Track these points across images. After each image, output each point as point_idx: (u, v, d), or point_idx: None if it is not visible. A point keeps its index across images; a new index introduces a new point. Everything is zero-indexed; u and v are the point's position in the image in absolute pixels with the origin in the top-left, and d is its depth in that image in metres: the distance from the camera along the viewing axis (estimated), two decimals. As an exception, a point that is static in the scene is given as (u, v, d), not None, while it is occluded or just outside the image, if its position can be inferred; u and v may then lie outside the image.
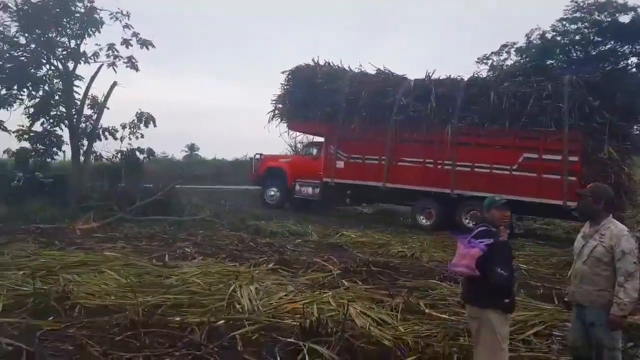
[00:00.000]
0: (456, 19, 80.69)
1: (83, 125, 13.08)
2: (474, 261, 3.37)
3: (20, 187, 11.09)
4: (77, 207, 11.06)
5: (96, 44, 13.25)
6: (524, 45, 47.39)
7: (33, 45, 12.21)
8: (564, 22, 45.11)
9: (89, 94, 13.19)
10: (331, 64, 15.59)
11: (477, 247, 3.39)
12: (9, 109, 12.10)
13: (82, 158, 13.15)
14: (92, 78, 13.26)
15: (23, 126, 12.31)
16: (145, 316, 4.71)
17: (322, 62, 15.53)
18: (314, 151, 16.40)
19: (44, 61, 12.60)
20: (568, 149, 12.19)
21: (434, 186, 13.69)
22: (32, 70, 12.35)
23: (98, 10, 13.07)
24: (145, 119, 12.77)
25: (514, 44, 47.78)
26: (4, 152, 12.44)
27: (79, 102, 13.06)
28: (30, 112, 12.37)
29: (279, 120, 15.56)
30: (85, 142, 13.08)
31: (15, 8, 12.02)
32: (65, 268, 6.43)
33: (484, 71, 43.66)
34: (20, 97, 12.48)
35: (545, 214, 14.10)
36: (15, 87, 12.15)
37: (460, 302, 5.63)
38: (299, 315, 4.96)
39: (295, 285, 6.20)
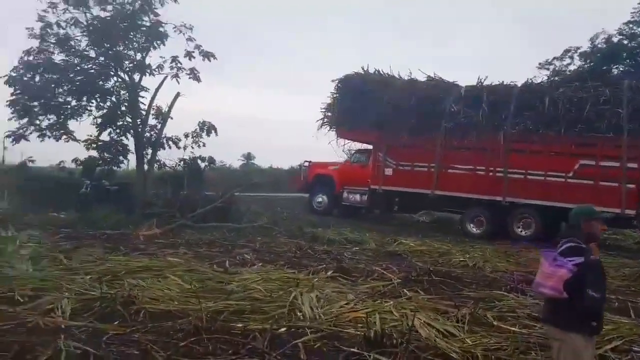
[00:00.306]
0: (519, 20, 78.67)
1: (148, 134, 13.53)
2: (561, 283, 3.06)
3: (87, 194, 11.56)
4: (141, 213, 11.38)
5: (160, 57, 13.71)
6: (589, 49, 45.58)
7: (102, 59, 12.75)
8: (632, 25, 43.12)
9: (154, 104, 13.63)
10: (380, 72, 15.51)
11: (565, 267, 3.08)
12: (78, 119, 12.69)
13: (146, 166, 13.57)
14: (157, 89, 13.73)
15: (91, 136, 12.88)
16: (208, 322, 4.73)
17: (371, 70, 15.49)
18: (362, 158, 16.30)
19: (112, 73, 13.15)
20: (627, 156, 11.80)
21: (484, 194, 13.47)
22: (101, 83, 12.89)
23: (163, 24, 13.54)
24: (207, 128, 13.07)
25: (578, 48, 45.91)
26: (73, 161, 13.03)
27: (144, 113, 13.53)
28: (98, 123, 12.91)
29: (328, 128, 15.58)
30: (150, 151, 13.48)
31: (85, 23, 12.60)
32: (130, 273, 6.57)
33: (545, 77, 42.50)
34: (89, 108, 13.06)
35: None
36: (85, 98, 12.72)
37: (530, 315, 5.40)
38: (361, 325, 4.87)
39: (356, 294, 6.10)
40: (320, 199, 16.54)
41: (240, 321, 4.93)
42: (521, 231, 13.01)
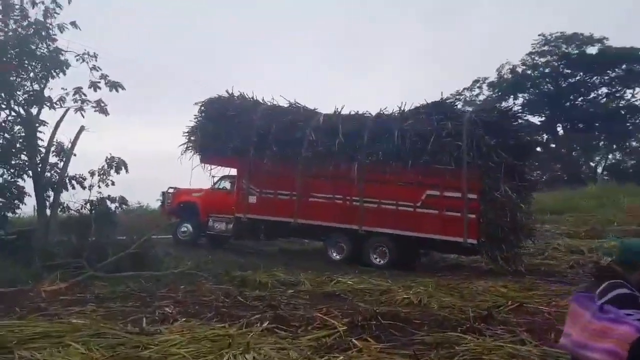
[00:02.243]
0: (429, 53, 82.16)
1: (48, 174, 12.04)
2: (625, 346, 2.25)
3: (-22, 246, 9.94)
4: (42, 265, 9.91)
5: (62, 88, 12.36)
6: (495, 79, 48.20)
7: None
8: (533, 56, 46.10)
9: (54, 140, 12.21)
10: (245, 96, 15.56)
11: (627, 323, 2.29)
12: (-37, 160, 11.07)
13: (48, 211, 12.05)
14: (58, 123, 12.32)
15: (-21, 178, 11.25)
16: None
17: (236, 94, 15.52)
18: (227, 185, 16.16)
19: (4, 106, 11.64)
20: (467, 187, 12.46)
21: (343, 222, 13.86)
22: (-11, 117, 11.38)
23: (63, 52, 12.27)
24: (116, 164, 11.78)
25: (486, 78, 48.60)
26: None
27: (43, 150, 12.06)
28: (-12, 163, 11.34)
29: (192, 152, 15.33)
30: (52, 193, 11.99)
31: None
32: (24, 342, 5.35)
33: (458, 106, 44.23)
34: (-24, 147, 11.47)
35: (449, 250, 14.21)
36: (-29, 136, 11.16)
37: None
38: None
39: (299, 350, 5.24)
40: (184, 228, 16.03)
41: (161, 401, 3.95)
42: (377, 259, 13.44)
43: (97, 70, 12.47)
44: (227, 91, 15.53)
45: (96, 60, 12.45)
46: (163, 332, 5.89)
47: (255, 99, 15.50)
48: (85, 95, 12.44)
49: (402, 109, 13.81)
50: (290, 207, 14.31)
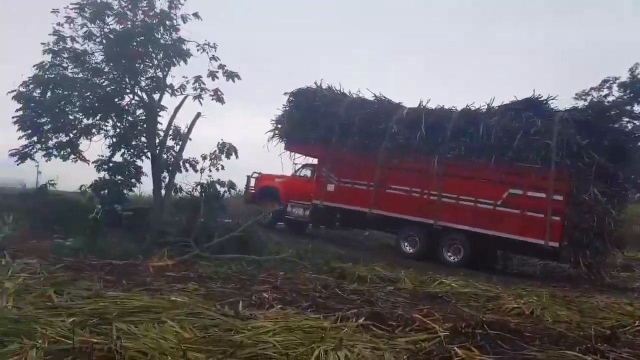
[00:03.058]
0: (554, 49, 77.08)
1: (165, 156, 12.61)
2: None
3: (97, 219, 10.59)
4: (153, 242, 10.35)
5: (183, 77, 12.90)
6: (628, 79, 43.99)
7: (116, 74, 11.93)
8: (673, 55, 41.40)
9: (172, 124, 12.76)
10: (333, 88, 15.86)
11: None
12: (90, 139, 11.87)
13: (163, 191, 12.64)
14: (177, 109, 12.90)
15: (103, 156, 11.99)
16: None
17: (324, 86, 15.85)
18: (308, 173, 16.66)
19: (128, 91, 12.33)
20: (553, 188, 12.06)
21: (418, 216, 13.75)
22: (116, 100, 12.08)
23: (185, 41, 12.81)
24: (227, 149, 12.08)
25: (617, 78, 44.51)
26: (81, 187, 12.09)
27: (162, 134, 12.65)
28: (111, 143, 12.06)
29: (278, 140, 15.95)
30: (167, 174, 12.55)
31: (99, 35, 11.89)
32: (123, 315, 5.48)
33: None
34: (103, 127, 12.25)
35: (527, 252, 13.75)
36: (99, 116, 11.89)
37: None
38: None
39: (395, 353, 4.87)
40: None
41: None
42: (451, 257, 13.32)
43: (216, 60, 12.95)
44: (315, 83, 15.87)
45: (215, 51, 12.90)
46: (258, 318, 5.79)
47: (341, 91, 15.74)
48: (204, 83, 12.92)
49: (490, 104, 13.47)
50: (367, 197, 14.40)
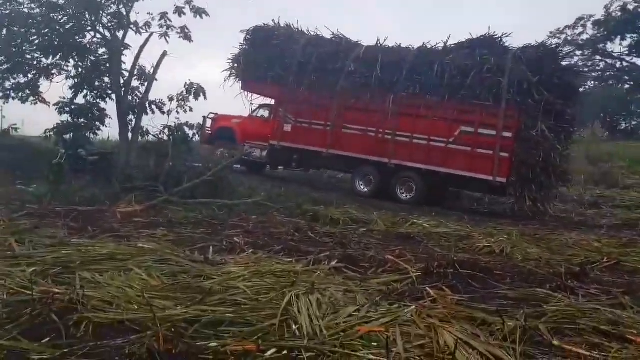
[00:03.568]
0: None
1: (130, 98, 12.10)
2: None
3: (61, 164, 10.21)
4: (120, 187, 10.06)
5: (148, 13, 12.23)
6: (602, 17, 43.75)
7: (74, 8, 11.17)
8: (650, -8, 41.21)
9: (137, 64, 12.20)
10: (291, 26, 15.55)
11: None
12: (50, 80, 11.25)
13: (129, 134, 12.22)
14: (141, 48, 12.32)
15: (64, 98, 11.43)
16: (170, 340, 3.47)
17: (282, 24, 15.55)
18: (265, 113, 16.57)
19: (89, 28, 11.64)
20: (503, 125, 12.28)
21: (373, 155, 13.90)
22: (77, 38, 11.39)
23: None
24: (195, 90, 11.65)
25: (591, 16, 44.25)
26: (45, 131, 11.57)
27: (126, 74, 12.09)
28: (73, 84, 11.46)
29: (234, 80, 15.63)
30: (132, 117, 12.09)
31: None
32: (88, 264, 5.29)
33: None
34: (65, 67, 11.61)
35: (476, 188, 14.14)
36: (59, 56, 11.22)
37: (597, 329, 4.13)
38: (376, 343, 3.63)
39: (367, 295, 4.83)
40: (219, 153, 15.99)
41: (216, 337, 3.68)
42: (404, 194, 13.62)
43: None
44: (273, 20, 15.62)
45: None
46: (228, 263, 5.68)
47: (300, 29, 15.49)
48: (170, 20, 12.32)
49: (447, 43, 13.50)
50: (324, 137, 14.44)
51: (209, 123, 17.24)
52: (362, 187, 14.23)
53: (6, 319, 3.82)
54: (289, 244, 7.25)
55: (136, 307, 4.17)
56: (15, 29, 10.97)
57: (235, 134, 16.74)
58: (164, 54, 12.26)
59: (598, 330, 4.07)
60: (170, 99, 11.82)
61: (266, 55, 14.99)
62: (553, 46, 13.00)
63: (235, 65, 15.65)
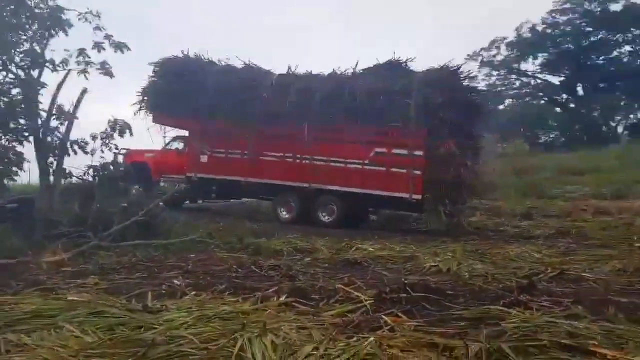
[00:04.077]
0: (446, 15, 79.62)
1: (49, 139, 11.36)
2: None
3: (-25, 215, 9.35)
4: (44, 235, 9.32)
5: (65, 50, 11.61)
6: (514, 39, 46.50)
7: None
8: (554, 14, 44.29)
9: (56, 103, 11.49)
10: (200, 56, 15.60)
11: None
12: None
13: (51, 178, 11.42)
14: (59, 86, 11.56)
15: (-25, 143, 10.55)
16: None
17: (192, 55, 15.58)
18: (179, 146, 16.29)
19: (1, 68, 10.89)
20: (414, 144, 12.74)
21: (292, 180, 14.12)
22: (-13, 79, 10.63)
23: (64, 10, 11.50)
24: (120, 127, 11.10)
25: (504, 38, 46.96)
26: None
27: (44, 114, 11.36)
28: (-16, 128, 10.64)
29: (145, 112, 15.45)
30: (52, 159, 11.33)
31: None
32: (12, 324, 4.74)
33: (474, 67, 42.94)
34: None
35: (395, 206, 14.39)
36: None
37: (560, 343, 4.07)
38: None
39: (322, 329, 4.58)
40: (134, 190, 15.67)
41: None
42: (325, 217, 13.89)
43: (101, 30, 11.82)
44: (182, 51, 15.57)
45: (99, 20, 11.74)
46: (169, 309, 5.27)
47: (210, 59, 15.55)
48: (89, 57, 11.75)
49: (355, 68, 13.97)
50: (241, 165, 14.58)
51: (120, 159, 16.75)
52: (283, 213, 14.41)
53: None
54: (232, 281, 6.89)
55: (70, 370, 3.72)
56: None
57: (149, 168, 16.23)
58: (84, 90, 11.62)
59: (560, 344, 4.01)
60: (94, 138, 11.18)
61: (176, 86, 14.85)
62: (454, 67, 13.42)
63: (145, 97, 15.45)
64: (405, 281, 6.27)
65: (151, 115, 15.47)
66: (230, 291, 6.22)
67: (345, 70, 14.14)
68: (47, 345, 4.18)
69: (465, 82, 13.61)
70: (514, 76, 47.77)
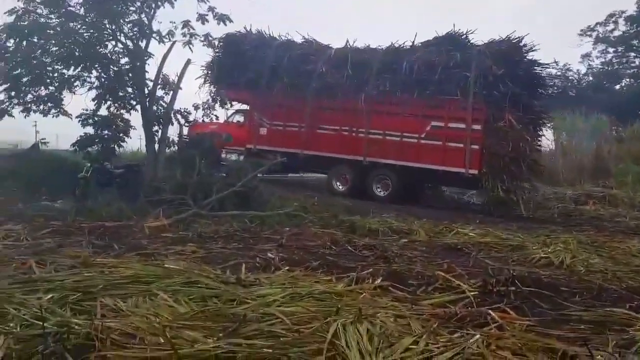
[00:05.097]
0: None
1: (155, 108, 11.72)
2: None
3: (87, 178, 9.86)
4: (147, 201, 9.65)
5: (171, 21, 11.91)
6: (635, 12, 42.18)
7: (94, 19, 10.78)
8: (685, -15, 39.53)
9: (161, 73, 11.83)
10: (262, 32, 15.94)
11: None
12: (73, 91, 10.92)
13: (156, 145, 11.84)
14: (165, 56, 11.96)
15: (87, 110, 11.07)
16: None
17: (254, 31, 15.91)
18: (240, 118, 16.72)
19: (110, 38, 11.30)
20: (472, 118, 12.55)
21: (348, 153, 14.16)
22: (98, 48, 11.04)
23: None
24: (220, 98, 11.22)
25: (623, 12, 42.70)
26: (72, 145, 11.22)
27: (150, 83, 11.73)
28: (96, 95, 11.12)
29: (209, 86, 15.75)
30: (157, 127, 11.69)
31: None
32: (110, 287, 4.81)
33: (588, 44, 39.59)
34: (87, 79, 11.28)
35: (450, 182, 14.41)
36: (81, 67, 10.88)
37: None
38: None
39: (422, 321, 4.22)
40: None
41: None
42: (380, 191, 13.87)
43: (206, 2, 12.01)
44: (244, 27, 15.82)
45: None
46: (262, 284, 5.14)
47: (271, 35, 15.85)
48: (193, 28, 12.01)
49: (413, 42, 13.83)
50: (299, 138, 14.66)
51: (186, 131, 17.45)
52: (338, 186, 14.42)
53: (19, 356, 3.35)
54: (326, 258, 6.68)
55: (161, 340, 3.65)
56: (35, 40, 10.66)
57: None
58: (188, 62, 11.92)
59: None
60: (196, 108, 11.40)
61: (238, 61, 15.20)
62: (516, 39, 12.80)
63: (209, 72, 15.88)
64: (514, 273, 5.71)
65: (214, 88, 15.86)
66: (324, 269, 6.02)
67: (403, 43, 14.08)
68: (141, 313, 4.16)
69: (528, 56, 13.05)
70: (632, 54, 43.48)
